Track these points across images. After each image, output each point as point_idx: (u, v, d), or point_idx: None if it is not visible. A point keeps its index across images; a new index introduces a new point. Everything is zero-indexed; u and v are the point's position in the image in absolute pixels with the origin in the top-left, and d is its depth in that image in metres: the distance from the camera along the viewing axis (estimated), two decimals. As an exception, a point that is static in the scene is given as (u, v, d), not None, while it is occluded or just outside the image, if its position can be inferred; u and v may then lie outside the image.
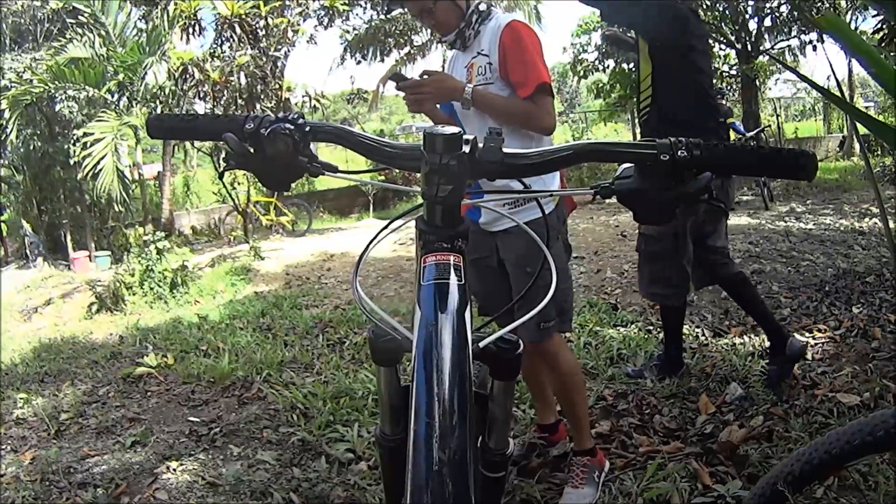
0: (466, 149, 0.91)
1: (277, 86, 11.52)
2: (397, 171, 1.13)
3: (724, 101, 12.71)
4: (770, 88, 20.22)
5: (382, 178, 13.59)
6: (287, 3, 11.98)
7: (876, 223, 6.91)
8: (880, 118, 9.71)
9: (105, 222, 14.24)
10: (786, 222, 7.50)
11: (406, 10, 2.43)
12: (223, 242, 12.60)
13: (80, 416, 3.66)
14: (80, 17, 12.28)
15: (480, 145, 0.95)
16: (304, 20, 13.48)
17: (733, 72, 16.46)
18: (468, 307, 0.87)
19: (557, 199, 2.25)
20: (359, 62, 17.36)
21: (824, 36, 10.74)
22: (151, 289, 7.17)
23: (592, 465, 2.36)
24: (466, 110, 2.18)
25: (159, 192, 15.01)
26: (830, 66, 1.44)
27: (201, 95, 10.99)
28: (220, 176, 1.20)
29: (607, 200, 1.21)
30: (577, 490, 2.30)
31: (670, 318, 3.29)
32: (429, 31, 16.68)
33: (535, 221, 2.11)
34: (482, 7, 2.23)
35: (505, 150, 0.95)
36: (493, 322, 1.29)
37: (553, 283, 1.02)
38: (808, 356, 3.36)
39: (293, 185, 1.08)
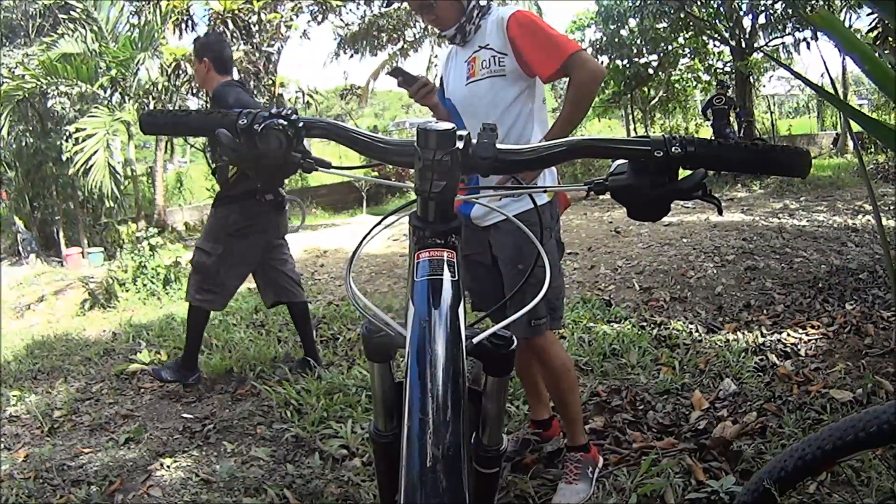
0: (460, 145, 0.91)
1: (270, 81, 11.52)
2: (391, 167, 1.12)
3: (724, 93, 13.06)
4: (764, 85, 20.32)
5: (376, 174, 13.58)
6: (280, -2, 11.97)
7: (869, 220, 6.94)
8: (874, 116, 9.75)
9: (98, 219, 14.18)
10: (779, 219, 7.51)
11: (405, 4, 2.44)
12: (217, 239, 12.54)
13: (73, 413, 3.65)
14: (72, 12, 12.20)
15: (474, 141, 0.95)
16: (297, 15, 13.48)
17: (727, 68, 16.51)
18: (461, 303, 0.87)
19: (551, 195, 2.24)
20: (351, 57, 17.36)
21: (818, 33, 10.78)
22: (144, 285, 7.14)
23: (586, 460, 2.36)
24: (472, 105, 2.20)
25: (152, 188, 14.97)
26: (824, 63, 1.44)
27: (194, 91, 10.98)
28: (213, 172, 1.20)
29: (601, 196, 1.19)
30: (571, 486, 2.30)
31: (198, 323, 3.71)
32: (423, 26, 16.70)
33: (526, 213, 2.12)
34: (482, 2, 2.25)
35: (499, 146, 0.95)
36: (487, 318, 1.29)
37: (546, 281, 1.01)
38: (802, 352, 3.38)
39: (286, 180, 1.08)
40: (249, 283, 7.31)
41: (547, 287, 1.00)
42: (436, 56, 18.02)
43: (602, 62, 16.73)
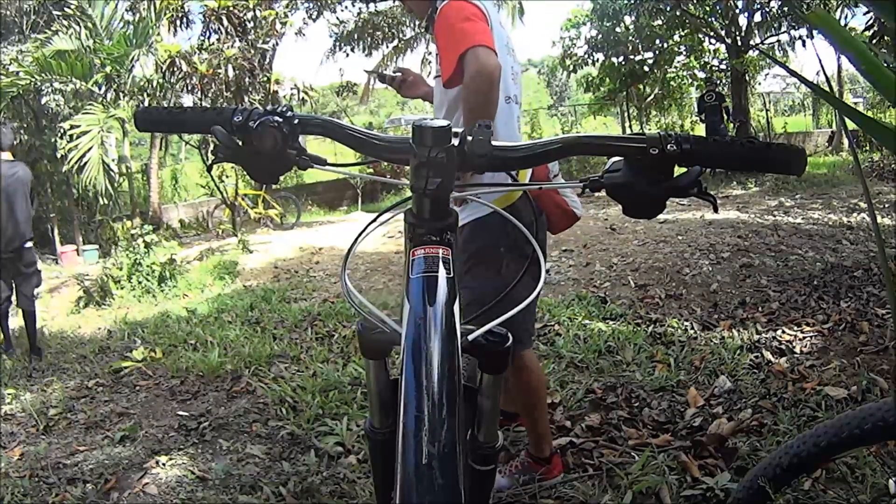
0: (455, 142, 0.91)
1: (266, 78, 11.47)
2: (386, 164, 1.12)
3: (713, 89, 13.15)
4: (760, 83, 20.34)
5: (371, 171, 13.57)
6: (275, -6, 11.94)
7: (864, 218, 6.95)
8: (869, 114, 9.76)
9: (93, 216, 14.13)
10: (774, 216, 7.53)
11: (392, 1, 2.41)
12: (211, 236, 12.55)
13: (68, 411, 3.64)
14: (66, 8, 12.15)
15: (469, 138, 0.94)
16: (293, 12, 13.43)
17: (723, 66, 16.52)
18: (457, 300, 0.87)
19: (509, 200, 1.98)
20: (347, 56, 17.32)
21: (814, 32, 10.79)
22: (139, 283, 7.14)
23: (526, 468, 2.35)
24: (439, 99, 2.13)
25: (147, 185, 14.94)
26: (820, 61, 1.44)
27: (189, 88, 10.92)
28: (209, 169, 1.19)
29: (596, 194, 1.19)
30: (499, 476, 2.30)
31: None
32: (419, 24, 16.65)
33: (475, 223, 2.04)
34: None
35: (494, 143, 0.95)
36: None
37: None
38: (797, 349, 3.39)
39: (282, 178, 1.07)
40: (244, 281, 7.34)
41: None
42: (430, 54, 17.98)
43: (598, 59, 16.72)
